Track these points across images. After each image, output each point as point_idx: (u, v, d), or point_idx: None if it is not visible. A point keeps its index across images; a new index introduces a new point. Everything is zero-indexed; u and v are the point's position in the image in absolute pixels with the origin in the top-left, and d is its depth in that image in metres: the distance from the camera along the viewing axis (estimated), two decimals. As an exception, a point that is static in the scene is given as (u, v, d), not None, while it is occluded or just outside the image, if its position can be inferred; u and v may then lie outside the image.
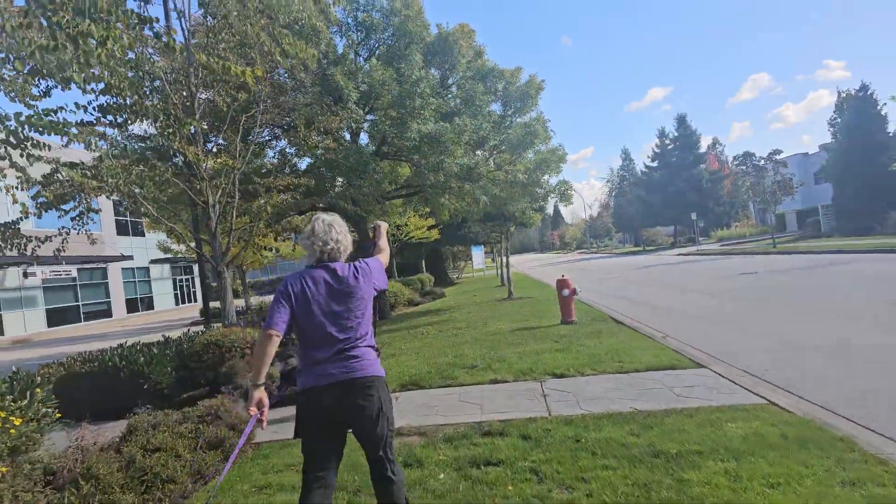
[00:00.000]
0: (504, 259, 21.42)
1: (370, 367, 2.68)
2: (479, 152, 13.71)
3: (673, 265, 25.92)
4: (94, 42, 3.86)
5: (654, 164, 60.16)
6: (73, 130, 4.49)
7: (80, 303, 29.10)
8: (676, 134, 58.39)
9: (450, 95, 14.65)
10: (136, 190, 8.40)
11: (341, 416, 2.63)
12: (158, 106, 8.87)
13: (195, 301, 39.71)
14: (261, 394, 2.54)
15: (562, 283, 10.70)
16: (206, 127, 9.70)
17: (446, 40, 14.49)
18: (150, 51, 8.83)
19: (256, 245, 20.13)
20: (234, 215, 10.13)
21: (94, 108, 8.06)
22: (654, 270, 23.77)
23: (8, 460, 3.61)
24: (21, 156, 4.63)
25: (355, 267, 2.77)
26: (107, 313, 30.75)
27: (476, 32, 15.52)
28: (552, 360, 7.21)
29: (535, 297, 17.02)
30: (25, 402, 4.63)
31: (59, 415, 5.08)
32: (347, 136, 14.79)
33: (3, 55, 4.59)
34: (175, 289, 38.51)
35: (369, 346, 2.75)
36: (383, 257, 3.03)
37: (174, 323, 25.07)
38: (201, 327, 10.40)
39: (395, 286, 19.48)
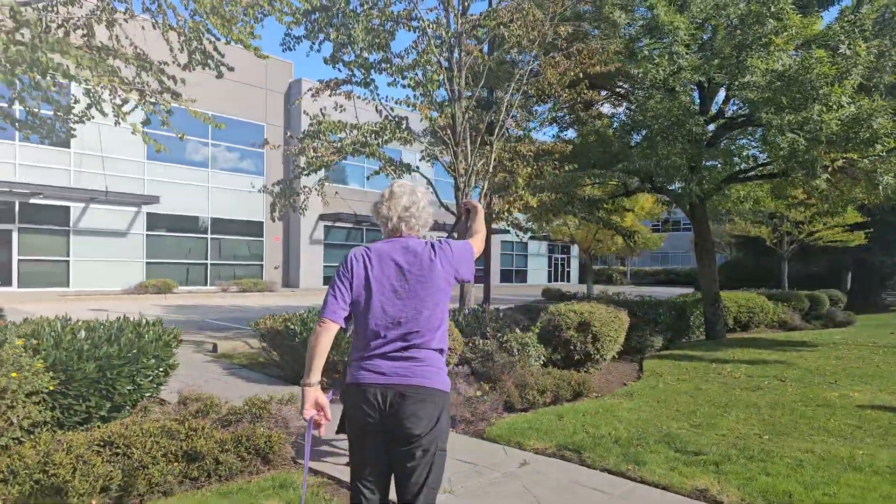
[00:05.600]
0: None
1: (432, 377, 2.13)
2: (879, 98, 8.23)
3: None
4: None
5: None
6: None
7: (461, 266, 33.50)
8: None
9: (856, 20, 9.41)
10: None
11: (381, 424, 2.10)
12: (409, 63, 8.27)
13: (568, 280, 40.77)
14: (315, 392, 2.13)
15: None
16: (465, 85, 8.60)
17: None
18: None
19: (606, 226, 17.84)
20: (486, 187, 8.86)
21: (342, 65, 8.03)
22: None
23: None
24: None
25: (433, 246, 2.23)
26: (481, 279, 34.48)
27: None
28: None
29: None
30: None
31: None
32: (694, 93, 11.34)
33: None
34: (549, 266, 40.33)
35: (437, 350, 2.18)
36: (476, 242, 2.42)
37: (521, 297, 25.91)
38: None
39: (752, 299, 14.48)
